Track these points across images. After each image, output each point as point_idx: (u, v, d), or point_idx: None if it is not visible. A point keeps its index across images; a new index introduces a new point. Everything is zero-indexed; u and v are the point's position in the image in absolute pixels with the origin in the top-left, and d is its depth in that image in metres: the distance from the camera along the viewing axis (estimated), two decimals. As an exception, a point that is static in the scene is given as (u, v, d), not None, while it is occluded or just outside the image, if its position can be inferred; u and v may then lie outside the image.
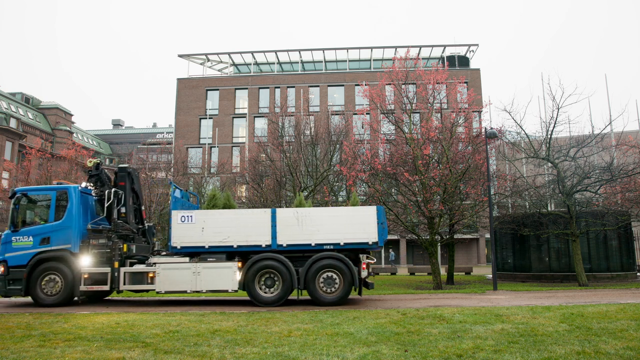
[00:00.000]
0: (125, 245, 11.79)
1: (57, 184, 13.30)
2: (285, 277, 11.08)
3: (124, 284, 11.43)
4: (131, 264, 11.82)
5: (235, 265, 11.18)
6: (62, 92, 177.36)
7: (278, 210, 11.65)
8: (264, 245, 11.25)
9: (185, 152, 41.82)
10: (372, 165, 19.28)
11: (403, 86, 19.62)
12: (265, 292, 11.19)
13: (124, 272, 11.49)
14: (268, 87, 45.35)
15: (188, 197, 13.80)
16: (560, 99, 17.63)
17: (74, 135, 63.54)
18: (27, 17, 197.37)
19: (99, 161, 12.95)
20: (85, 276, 11.47)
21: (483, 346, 6.20)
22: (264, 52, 46.54)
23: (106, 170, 13.33)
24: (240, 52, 46.93)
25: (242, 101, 46.18)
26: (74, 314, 9.77)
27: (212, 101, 45.98)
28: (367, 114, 22.87)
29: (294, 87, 44.40)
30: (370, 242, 11.22)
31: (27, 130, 53.92)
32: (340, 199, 25.30)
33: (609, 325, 7.49)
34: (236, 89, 46.09)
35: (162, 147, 39.66)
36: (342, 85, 44.56)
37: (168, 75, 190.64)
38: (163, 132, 72.92)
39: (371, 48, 45.77)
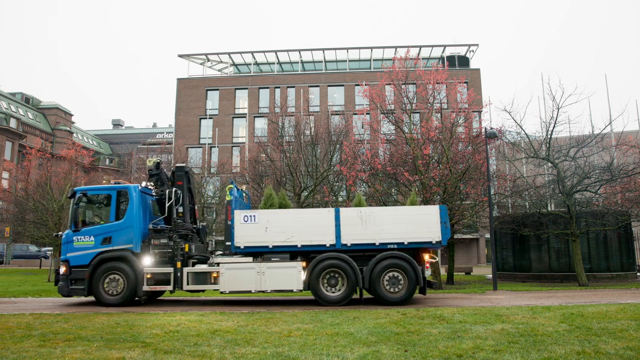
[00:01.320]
0: (187, 245, 11.77)
1: (115, 183, 13.28)
2: (350, 276, 11.05)
3: (187, 284, 11.39)
4: (192, 264, 11.80)
5: (300, 264, 11.17)
6: (62, 92, 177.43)
7: (341, 209, 11.61)
8: (328, 245, 11.22)
9: (185, 152, 41.82)
10: (372, 165, 19.29)
11: (403, 86, 19.62)
12: (330, 292, 11.16)
13: (187, 272, 11.45)
14: (268, 87, 45.34)
15: (242, 196, 13.78)
16: (560, 99, 17.63)
17: (74, 135, 63.56)
18: (27, 17, 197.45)
19: (159, 160, 12.89)
20: (148, 276, 11.44)
21: (483, 346, 6.20)
22: (264, 52, 46.54)
23: (165, 170, 13.23)
24: (240, 52, 46.93)
25: (242, 101, 46.17)
26: (74, 314, 9.77)
27: (212, 101, 45.97)
28: (367, 114, 22.87)
29: (294, 87, 44.38)
30: (434, 242, 11.24)
31: (27, 130, 53.93)
32: (340, 199, 25.29)
33: (609, 325, 7.49)
34: (236, 89, 46.08)
35: (162, 147, 39.73)
36: (342, 85, 44.55)
37: (168, 75, 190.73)
38: (163, 132, 72.90)
39: (371, 48, 45.76)
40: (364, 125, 27.14)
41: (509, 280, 20.17)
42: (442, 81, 19.75)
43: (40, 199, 24.58)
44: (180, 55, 47.30)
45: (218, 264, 11.43)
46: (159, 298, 13.58)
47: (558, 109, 17.69)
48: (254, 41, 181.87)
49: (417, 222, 11.37)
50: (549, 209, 20.66)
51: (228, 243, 11.51)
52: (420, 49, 42.76)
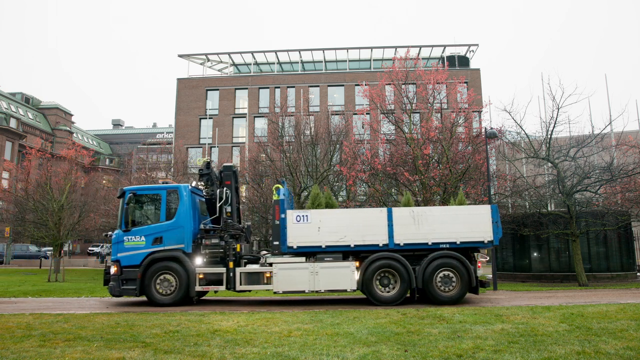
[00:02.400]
0: (238, 245, 11.75)
1: (163, 183, 13.22)
2: (404, 276, 11.06)
3: (240, 284, 11.38)
4: (244, 264, 11.80)
5: (353, 264, 11.18)
6: (62, 92, 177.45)
7: (394, 209, 11.63)
8: (381, 245, 11.24)
9: (185, 152, 41.79)
10: (372, 165, 19.30)
11: (403, 86, 19.63)
12: (383, 291, 11.18)
13: (240, 272, 11.44)
14: (268, 87, 45.32)
15: (289, 195, 13.73)
16: (560, 99, 17.63)
17: (74, 135, 63.55)
18: (27, 17, 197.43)
19: (209, 160, 12.83)
20: (200, 276, 11.42)
21: (483, 346, 6.20)
22: (264, 52, 46.52)
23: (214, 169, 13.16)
24: (240, 52, 46.91)
25: (242, 101, 46.15)
26: (74, 314, 9.77)
27: (212, 101, 45.95)
28: (367, 114, 22.88)
29: (294, 87, 44.35)
30: (485, 241, 11.28)
31: (27, 130, 53.92)
32: (340, 199, 25.29)
33: (609, 325, 7.49)
34: (236, 89, 46.06)
35: (162, 147, 39.73)
36: (342, 85, 44.52)
37: (168, 75, 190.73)
38: (163, 132, 72.87)
39: (371, 48, 45.74)
40: (364, 125, 27.13)
41: (509, 280, 20.15)
42: (442, 81, 19.77)
43: (40, 199, 24.55)
44: (180, 55, 47.28)
45: (271, 264, 11.40)
46: (202, 298, 13.46)
47: (558, 109, 17.69)
48: (254, 41, 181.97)
49: (469, 222, 11.40)
50: (549, 209, 20.64)
51: (276, 242, 11.51)
52: (420, 49, 42.74)
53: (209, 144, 43.94)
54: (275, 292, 11.27)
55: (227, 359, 5.76)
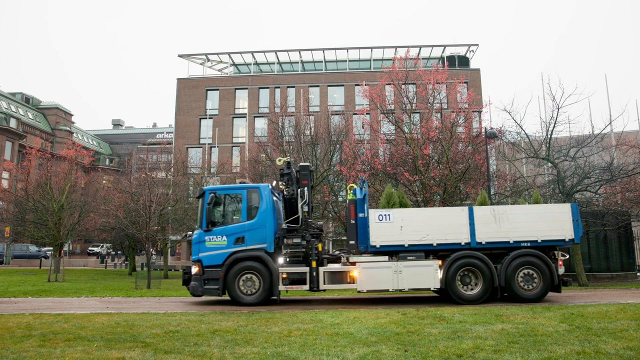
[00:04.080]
0: (320, 244, 11.76)
1: (240, 182, 13.23)
2: (486, 274, 11.10)
3: (324, 283, 11.41)
4: (326, 263, 11.83)
5: (436, 263, 11.25)
6: (62, 92, 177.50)
7: (475, 207, 11.68)
8: (463, 243, 11.30)
9: (185, 152, 41.80)
10: (372, 165, 19.29)
11: (403, 86, 19.63)
12: (467, 290, 11.23)
13: (324, 272, 11.45)
14: (268, 87, 45.32)
15: (365, 195, 13.73)
16: (560, 99, 17.64)
17: (74, 135, 63.54)
18: (27, 16, 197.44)
19: (289, 159, 12.85)
20: (284, 276, 11.42)
21: (483, 346, 6.20)
22: (264, 52, 46.52)
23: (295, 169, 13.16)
24: (240, 52, 46.92)
25: (242, 101, 46.15)
26: (74, 314, 9.77)
27: (212, 101, 45.95)
28: (367, 114, 22.88)
29: (294, 87, 44.35)
30: (566, 239, 11.33)
31: (27, 130, 53.93)
32: (340, 198, 25.28)
33: (609, 325, 7.49)
34: (236, 89, 46.06)
35: (162, 147, 39.69)
36: (342, 85, 44.52)
37: (168, 75, 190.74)
38: (163, 132, 72.89)
39: (371, 48, 45.74)
40: (364, 125, 27.12)
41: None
42: (442, 81, 19.77)
43: (40, 199, 24.54)
44: (180, 55, 47.29)
45: (354, 263, 11.46)
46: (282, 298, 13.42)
47: (558, 109, 17.70)
48: (254, 41, 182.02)
49: (550, 220, 11.46)
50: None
51: (352, 242, 11.65)
52: (420, 49, 42.74)
53: (209, 144, 43.95)
54: (359, 291, 11.34)
55: (227, 359, 5.76)
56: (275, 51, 46.19)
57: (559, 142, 19.56)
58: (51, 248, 31.52)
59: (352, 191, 12.17)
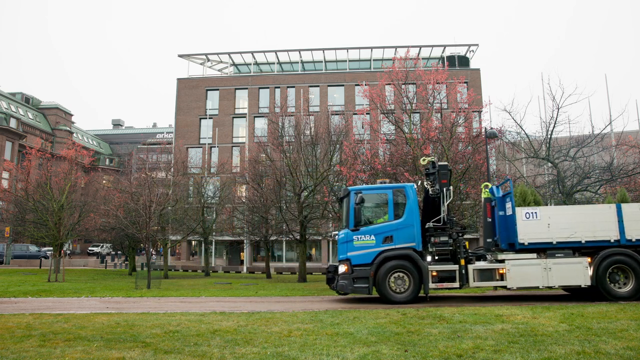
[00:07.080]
0: (467, 242, 11.81)
1: (381, 182, 13.26)
2: (638, 272, 11.07)
3: (474, 280, 11.48)
4: (473, 261, 11.86)
5: (586, 260, 11.26)
6: (62, 92, 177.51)
7: (623, 205, 11.63)
8: (612, 240, 11.29)
9: (185, 152, 41.81)
10: (372, 165, 19.28)
11: (403, 86, 19.62)
12: (623, 288, 11.17)
13: (473, 270, 11.50)
14: (268, 87, 45.32)
15: (500, 194, 13.71)
16: (560, 99, 17.67)
17: (74, 135, 63.51)
18: (27, 16, 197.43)
19: (434, 159, 12.86)
20: (434, 274, 11.48)
21: (483, 346, 6.20)
22: (264, 52, 46.51)
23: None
24: (240, 52, 46.92)
25: (242, 101, 46.15)
26: (74, 314, 9.77)
27: (212, 101, 45.95)
28: (367, 114, 22.87)
29: (294, 87, 44.36)
30: None
31: (27, 130, 53.90)
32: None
33: (609, 325, 7.50)
34: (236, 89, 46.06)
35: (162, 147, 39.68)
36: (342, 85, 44.52)
37: (168, 75, 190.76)
38: (163, 132, 72.88)
39: (371, 48, 45.73)
40: (364, 125, 27.11)
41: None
42: (442, 81, 19.75)
43: (40, 199, 24.53)
44: (180, 55, 47.28)
45: (502, 260, 11.51)
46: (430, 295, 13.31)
47: (558, 109, 17.72)
48: (254, 41, 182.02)
49: None
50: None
51: (489, 240, 11.80)
52: (420, 49, 42.73)
53: (209, 144, 43.96)
54: (509, 289, 11.38)
55: (227, 359, 5.76)
56: (275, 51, 46.19)
57: (559, 142, 19.57)
58: (51, 248, 31.51)
59: (487, 190, 12.15)
